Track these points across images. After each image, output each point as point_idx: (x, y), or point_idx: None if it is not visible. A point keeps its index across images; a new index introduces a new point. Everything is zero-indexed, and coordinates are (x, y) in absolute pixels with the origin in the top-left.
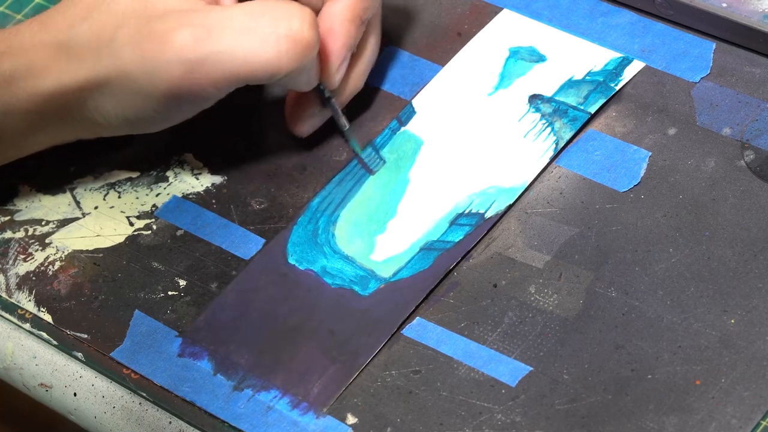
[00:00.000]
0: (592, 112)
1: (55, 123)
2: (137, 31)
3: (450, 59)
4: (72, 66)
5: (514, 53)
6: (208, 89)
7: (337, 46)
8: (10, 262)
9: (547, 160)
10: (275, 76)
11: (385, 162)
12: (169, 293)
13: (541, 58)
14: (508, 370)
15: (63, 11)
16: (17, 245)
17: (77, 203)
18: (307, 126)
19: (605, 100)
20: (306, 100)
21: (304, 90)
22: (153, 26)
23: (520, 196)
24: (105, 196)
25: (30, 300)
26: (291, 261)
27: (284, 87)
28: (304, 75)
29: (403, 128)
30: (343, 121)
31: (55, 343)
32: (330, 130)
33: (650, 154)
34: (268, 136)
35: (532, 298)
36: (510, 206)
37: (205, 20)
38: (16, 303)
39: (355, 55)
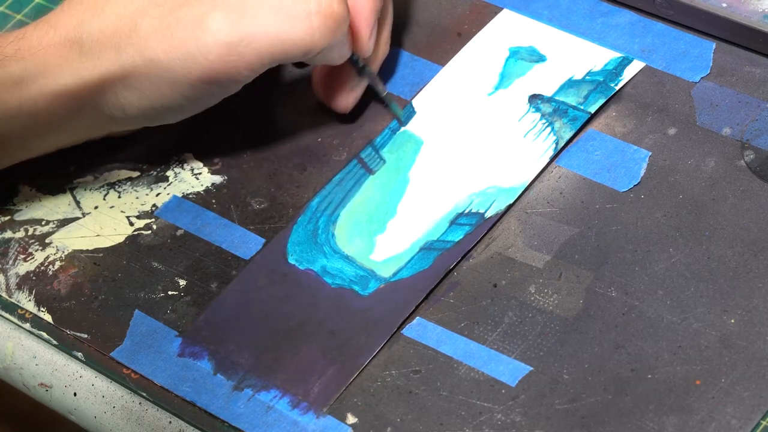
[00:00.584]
0: (592, 112)
1: (65, 123)
2: (162, 19)
3: (450, 59)
4: (88, 62)
5: (514, 53)
6: (243, 71)
7: (366, 13)
8: (10, 261)
9: (547, 160)
10: (309, 53)
11: (385, 162)
12: (169, 293)
13: (541, 58)
14: (508, 370)
15: (70, 10)
16: (17, 245)
17: (77, 203)
18: (351, 99)
19: (605, 100)
20: (341, 75)
21: (337, 64)
22: (181, 13)
23: (520, 196)
24: (105, 196)
25: (30, 300)
26: (291, 261)
27: (318, 63)
28: (337, 49)
29: (403, 128)
30: (381, 87)
31: (55, 343)
32: (330, 129)
33: (650, 154)
34: (269, 137)
35: (532, 298)
36: (510, 206)
37: (235, 2)
38: (16, 303)
39: (380, 20)
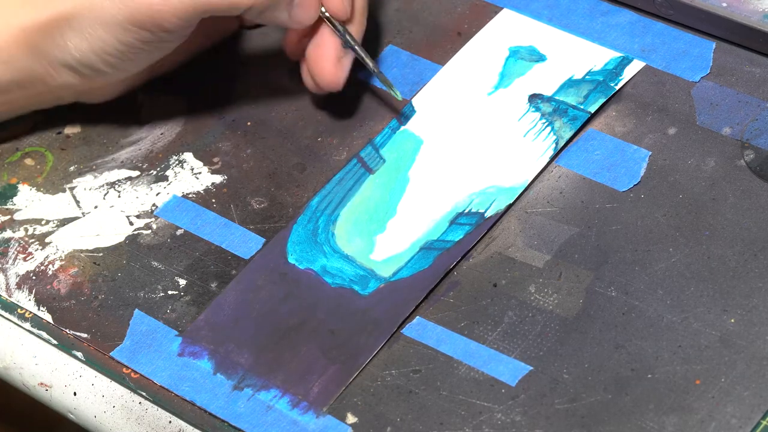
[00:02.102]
0: (592, 112)
1: (28, 69)
2: None
3: (450, 59)
4: (37, 4)
5: (514, 53)
6: (169, 18)
7: None
8: (10, 261)
9: (547, 160)
10: (236, 8)
11: (384, 161)
12: (169, 293)
13: (541, 58)
14: (508, 369)
15: None
16: (17, 245)
17: (77, 203)
18: (339, 73)
19: (605, 100)
20: (324, 47)
21: (294, 27)
22: None
23: (520, 196)
24: (105, 195)
25: (30, 299)
26: (291, 260)
27: (270, 23)
28: (278, 9)
29: (403, 128)
30: (372, 63)
31: (55, 342)
32: (330, 129)
33: (650, 153)
34: (269, 137)
35: (532, 298)
36: (510, 206)
37: None
38: (16, 302)
39: None
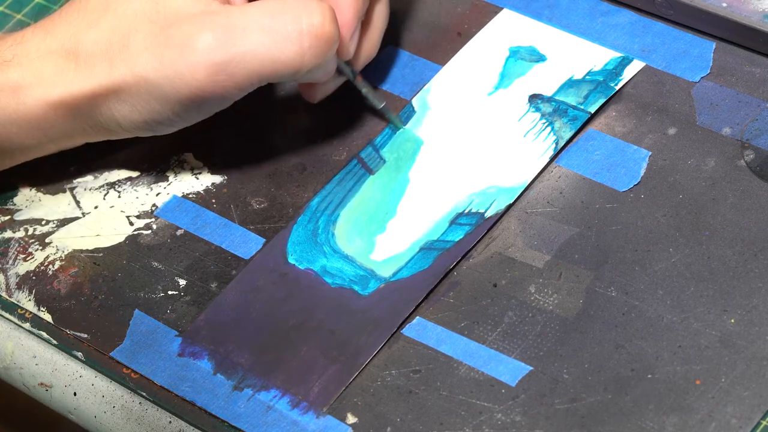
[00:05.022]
0: (592, 112)
1: (64, 130)
2: (153, 37)
3: (450, 59)
4: (82, 74)
5: (514, 53)
6: (232, 90)
7: (347, 18)
8: (10, 261)
9: (547, 160)
10: (298, 73)
11: (385, 161)
12: (169, 293)
13: (541, 58)
14: (508, 369)
15: (67, 17)
16: (17, 245)
17: (77, 203)
18: (319, 94)
19: (605, 100)
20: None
21: (323, 81)
22: (171, 32)
23: (520, 196)
24: (105, 195)
25: (30, 300)
26: (291, 260)
27: (306, 81)
28: (324, 68)
29: (403, 128)
30: (377, 101)
31: (55, 342)
32: (330, 129)
33: (650, 153)
34: (268, 136)
35: (532, 298)
36: (510, 206)
37: (225, 22)
38: (16, 303)
39: (365, 23)
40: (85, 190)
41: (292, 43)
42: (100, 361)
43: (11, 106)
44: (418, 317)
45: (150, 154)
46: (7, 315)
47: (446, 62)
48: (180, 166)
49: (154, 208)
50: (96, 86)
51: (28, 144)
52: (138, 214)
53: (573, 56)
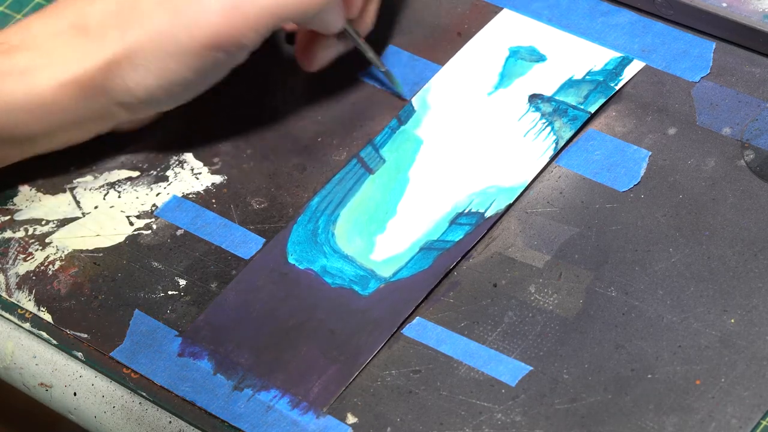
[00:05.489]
0: (592, 112)
1: (75, 114)
2: None
3: (450, 59)
4: (94, 46)
5: (514, 53)
6: (247, 33)
7: None
8: (10, 261)
9: (547, 160)
10: (309, 12)
11: (384, 161)
12: (169, 293)
13: (541, 58)
14: (508, 369)
15: None
16: (17, 245)
17: (77, 203)
18: (319, 59)
19: (605, 100)
20: (317, 34)
21: (333, 31)
22: None
23: (519, 196)
24: (105, 195)
25: (30, 300)
26: (291, 260)
27: (314, 27)
28: (333, 13)
29: (402, 127)
30: (378, 61)
31: (55, 342)
32: (330, 129)
33: (650, 153)
34: (268, 136)
35: (532, 298)
36: (510, 205)
37: None
38: (16, 303)
39: None
40: (85, 190)
41: None
42: (100, 361)
43: (20, 90)
44: (418, 317)
45: (150, 154)
46: (7, 315)
47: (446, 62)
48: (180, 166)
49: (154, 208)
50: (110, 55)
51: (37, 131)
52: (138, 214)
53: (573, 56)
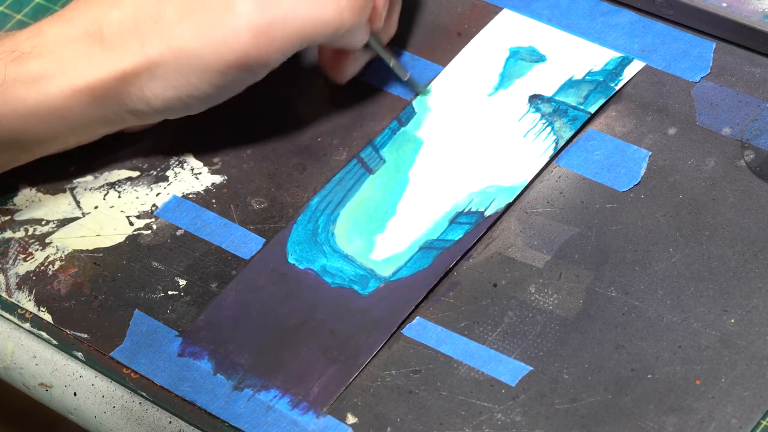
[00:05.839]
0: (592, 112)
1: (85, 119)
2: (187, 6)
3: (450, 59)
4: (111, 55)
5: (514, 53)
6: (274, 54)
7: None
8: (10, 261)
9: (547, 159)
10: (337, 33)
11: (384, 161)
12: (169, 293)
13: (541, 58)
14: (508, 369)
15: (84, 4)
16: (17, 245)
17: (77, 203)
18: (349, 72)
19: (605, 100)
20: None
21: (359, 47)
22: None
23: (519, 195)
24: (105, 196)
25: (30, 300)
26: (291, 260)
27: (341, 46)
28: (360, 31)
29: (403, 128)
30: (402, 71)
31: (55, 342)
32: (330, 129)
33: (650, 153)
34: (269, 136)
35: (532, 298)
36: (510, 205)
37: None
38: (16, 303)
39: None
40: (85, 190)
41: (330, 2)
42: (100, 361)
43: (32, 98)
44: (418, 317)
45: (150, 154)
46: (7, 315)
47: (446, 62)
48: (180, 166)
49: (154, 208)
50: (128, 66)
51: (47, 136)
52: (138, 214)
53: (573, 56)
